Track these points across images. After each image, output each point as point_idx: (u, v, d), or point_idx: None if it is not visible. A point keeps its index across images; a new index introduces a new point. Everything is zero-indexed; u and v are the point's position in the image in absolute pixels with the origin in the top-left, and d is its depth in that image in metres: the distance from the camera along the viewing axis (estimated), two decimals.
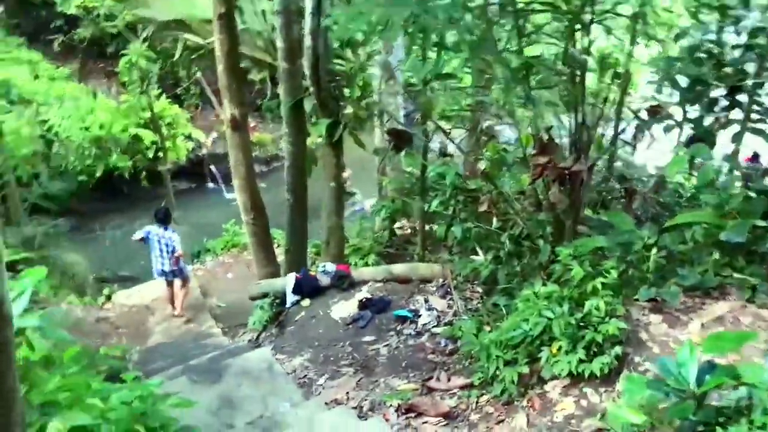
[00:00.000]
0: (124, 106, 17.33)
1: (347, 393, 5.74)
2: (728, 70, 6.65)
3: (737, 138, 6.80)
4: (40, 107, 16.30)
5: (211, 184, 19.63)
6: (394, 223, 10.83)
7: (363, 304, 7.22)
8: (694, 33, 7.04)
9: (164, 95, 18.26)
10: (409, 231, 11.03)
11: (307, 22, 7.48)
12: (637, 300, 5.07)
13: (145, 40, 16.22)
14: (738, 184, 5.89)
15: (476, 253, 7.54)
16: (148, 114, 16.61)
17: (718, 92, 6.66)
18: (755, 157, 11.57)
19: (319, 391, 5.94)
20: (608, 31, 6.11)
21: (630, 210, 6.39)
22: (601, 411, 4.33)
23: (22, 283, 2.85)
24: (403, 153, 8.51)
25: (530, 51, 6.25)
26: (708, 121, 6.73)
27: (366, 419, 5.22)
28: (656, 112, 6.45)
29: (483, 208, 6.92)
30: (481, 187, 7.32)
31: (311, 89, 7.91)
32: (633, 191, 6.59)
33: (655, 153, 7.45)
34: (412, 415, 5.13)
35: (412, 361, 6.11)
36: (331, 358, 6.45)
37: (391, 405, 5.28)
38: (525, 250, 6.70)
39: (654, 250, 5.21)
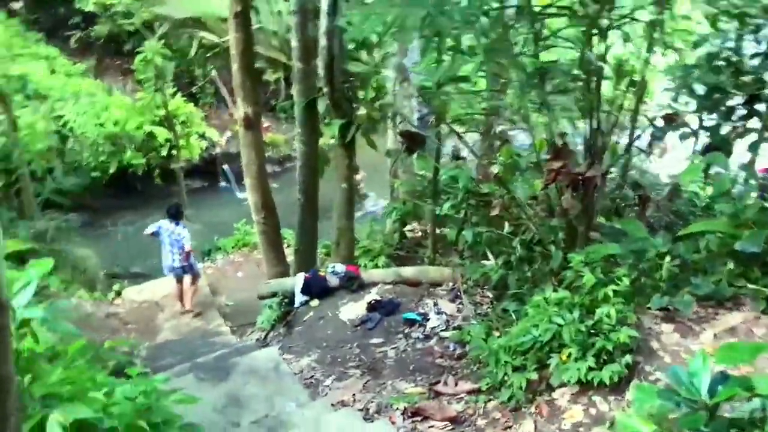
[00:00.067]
0: (139, 103, 17.42)
1: (354, 395, 5.71)
2: (747, 78, 6.58)
3: (754, 147, 6.73)
4: (56, 103, 16.41)
5: (223, 183, 19.68)
6: (404, 226, 10.79)
7: (372, 306, 7.18)
8: (712, 41, 6.97)
9: (179, 93, 18.33)
10: (419, 234, 10.99)
11: (323, 23, 7.47)
12: (649, 308, 5.01)
13: (161, 37, 16.28)
14: (754, 194, 5.83)
15: (487, 258, 7.49)
16: (162, 112, 16.69)
17: (736, 101, 6.60)
18: None
19: (326, 392, 5.92)
20: (626, 37, 6.06)
21: (643, 218, 6.33)
22: (610, 420, 4.28)
23: (28, 274, 2.83)
24: (415, 155, 8.47)
25: (546, 56, 6.20)
26: (725, 129, 6.66)
27: (372, 421, 5.19)
28: (672, 120, 6.39)
29: (495, 212, 6.88)
30: (493, 191, 7.28)
31: (325, 90, 7.89)
32: (647, 199, 6.52)
33: (671, 161, 7.39)
34: (419, 418, 5.10)
35: (419, 364, 6.07)
36: (339, 360, 6.42)
37: (397, 408, 5.25)
38: (536, 256, 6.65)
39: (667, 259, 5.15)
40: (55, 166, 15.28)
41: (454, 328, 6.58)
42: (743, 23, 6.73)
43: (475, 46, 5.87)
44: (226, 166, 19.30)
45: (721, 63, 6.66)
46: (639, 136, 6.71)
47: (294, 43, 8.15)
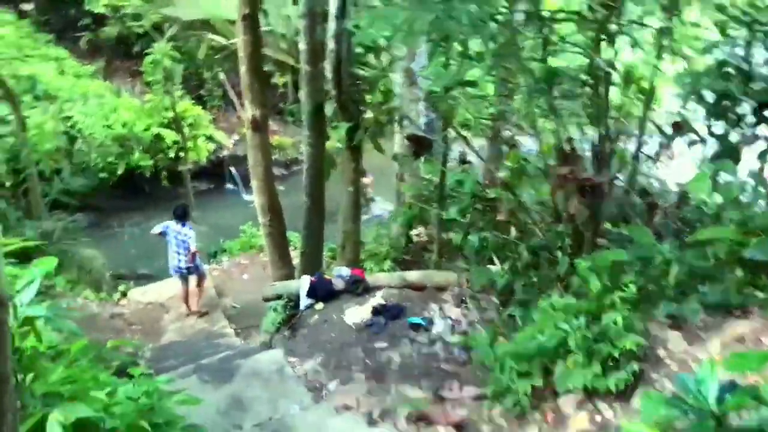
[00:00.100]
0: (147, 105, 17.48)
1: (357, 399, 5.69)
2: (756, 85, 6.53)
3: (763, 155, 6.68)
4: (65, 104, 16.47)
5: (230, 186, 19.71)
6: (410, 230, 10.78)
7: (377, 310, 7.17)
8: (722, 47, 6.93)
9: (188, 96, 18.38)
10: (425, 238, 10.97)
11: (331, 26, 7.47)
12: (655, 316, 4.97)
13: (170, 39, 16.33)
14: (762, 202, 5.78)
15: (493, 263, 7.46)
16: (170, 114, 16.73)
17: (745, 108, 6.55)
18: None
19: (329, 396, 5.90)
20: (634, 43, 6.04)
21: (651, 225, 6.30)
22: (615, 427, 4.25)
23: (31, 272, 2.82)
24: (422, 160, 8.46)
25: (554, 62, 6.19)
26: (734, 137, 6.61)
27: (376, 426, 5.17)
28: (680, 127, 6.36)
29: (501, 217, 6.85)
30: (500, 196, 7.26)
31: (332, 93, 7.89)
32: (654, 206, 6.49)
33: (678, 168, 7.35)
34: (423, 423, 5.07)
35: (424, 369, 6.05)
36: (343, 363, 6.40)
37: (401, 413, 5.22)
38: (543, 262, 6.62)
39: (675, 266, 5.11)
40: (63, 167, 15.33)
41: (460, 333, 6.56)
42: (753, 30, 6.69)
43: (483, 51, 5.87)
44: (233, 169, 19.33)
45: (731, 70, 6.61)
46: (647, 143, 6.69)
47: (302, 46, 8.15)
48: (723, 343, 4.56)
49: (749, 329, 4.64)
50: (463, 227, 7.87)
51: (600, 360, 4.55)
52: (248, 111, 8.95)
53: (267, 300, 8.46)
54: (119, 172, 16.84)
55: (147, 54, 16.01)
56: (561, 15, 5.92)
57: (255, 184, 9.42)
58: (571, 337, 4.70)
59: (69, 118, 16.40)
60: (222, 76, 18.75)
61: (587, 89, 6.01)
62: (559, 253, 6.20)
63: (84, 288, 11.09)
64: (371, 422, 5.25)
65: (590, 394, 4.59)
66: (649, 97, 6.71)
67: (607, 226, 6.72)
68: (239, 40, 8.64)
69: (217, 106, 20.30)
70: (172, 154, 17.38)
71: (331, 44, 7.55)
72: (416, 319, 6.86)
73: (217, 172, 19.42)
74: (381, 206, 15.83)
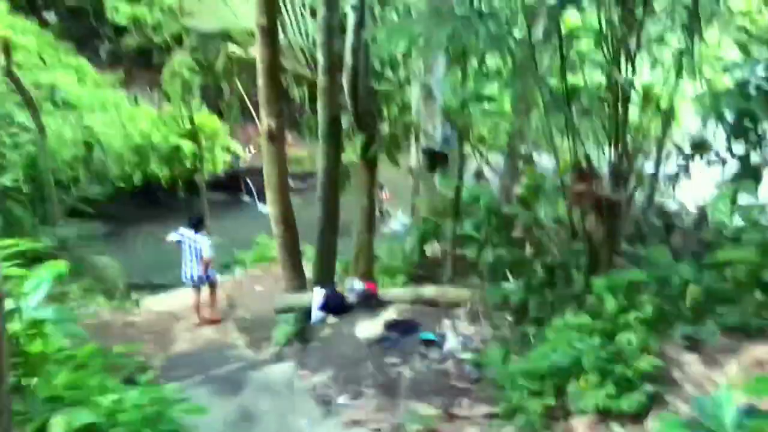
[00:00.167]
0: (165, 115, 17.60)
1: (367, 414, 5.62)
2: None
3: None
4: (84, 112, 16.62)
5: (245, 197, 19.77)
6: (425, 245, 10.71)
7: (389, 325, 7.11)
8: (743, 67, 6.86)
9: (206, 107, 18.50)
10: (439, 253, 10.90)
11: (349, 39, 7.48)
12: (672, 337, 4.89)
13: (189, 50, 16.47)
14: None
15: (507, 280, 7.39)
16: (188, 125, 16.84)
17: (767, 128, 6.46)
18: None
19: (339, 411, 5.83)
20: (654, 62, 6.00)
21: (669, 244, 6.22)
22: None
23: (40, 275, 2.81)
24: (438, 174, 8.43)
25: (572, 79, 6.15)
26: (755, 157, 6.53)
27: None
28: (700, 147, 6.29)
29: (517, 233, 6.80)
30: (516, 212, 7.21)
31: (349, 105, 7.89)
32: (672, 226, 6.42)
33: (698, 188, 7.27)
34: None
35: (435, 385, 5.97)
36: (354, 378, 6.33)
37: (411, 429, 5.15)
38: (558, 279, 6.54)
39: (692, 287, 5.03)
40: (81, 175, 15.45)
41: (472, 350, 6.48)
42: None
43: (501, 67, 5.85)
44: (249, 180, 19.41)
45: (752, 90, 6.54)
46: (666, 163, 6.62)
47: (320, 59, 8.17)
48: (741, 366, 4.47)
49: None
50: (478, 243, 7.81)
51: (614, 380, 4.48)
52: (264, 122, 8.96)
53: (279, 312, 8.44)
54: (136, 181, 16.95)
55: (166, 65, 16.16)
56: (580, 32, 5.90)
57: (270, 195, 9.41)
58: (585, 357, 4.62)
59: (88, 126, 16.54)
60: (240, 88, 18.87)
61: (605, 107, 5.96)
62: (574, 272, 6.13)
63: (97, 296, 11.12)
64: None
65: (603, 414, 4.51)
66: (668, 116, 6.65)
67: (624, 245, 6.64)
68: (257, 52, 8.67)
69: (234, 118, 20.42)
70: (188, 165, 17.47)
71: (348, 57, 7.57)
72: (428, 335, 6.79)
73: (232, 184, 19.53)
74: (401, 221, 15.81)
